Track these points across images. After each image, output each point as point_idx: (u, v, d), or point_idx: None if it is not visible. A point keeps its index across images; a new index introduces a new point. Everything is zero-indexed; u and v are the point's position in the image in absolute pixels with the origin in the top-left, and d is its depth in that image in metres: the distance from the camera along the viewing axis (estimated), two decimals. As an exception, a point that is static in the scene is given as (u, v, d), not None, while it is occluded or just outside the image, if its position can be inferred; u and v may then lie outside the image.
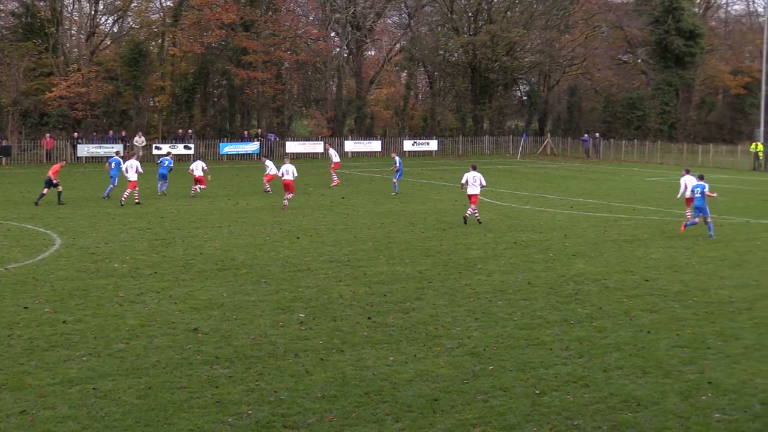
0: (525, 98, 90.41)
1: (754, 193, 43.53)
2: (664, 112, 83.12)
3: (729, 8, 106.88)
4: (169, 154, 42.01)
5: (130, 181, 36.23)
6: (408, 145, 72.38)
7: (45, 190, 35.96)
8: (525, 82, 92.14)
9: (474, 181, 30.68)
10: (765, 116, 76.11)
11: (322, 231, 28.81)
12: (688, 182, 30.68)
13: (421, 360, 14.50)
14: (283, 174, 35.51)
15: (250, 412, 12.09)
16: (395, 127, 79.96)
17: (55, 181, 35.84)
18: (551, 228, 30.08)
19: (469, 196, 31.01)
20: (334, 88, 77.79)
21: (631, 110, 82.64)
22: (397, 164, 41.84)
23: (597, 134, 74.92)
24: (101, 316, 17.12)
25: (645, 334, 16.24)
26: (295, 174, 35.81)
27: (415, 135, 78.58)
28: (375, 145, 70.81)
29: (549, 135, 79.85)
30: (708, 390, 13.17)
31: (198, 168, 39.22)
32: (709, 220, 28.59)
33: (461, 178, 31.66)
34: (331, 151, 47.18)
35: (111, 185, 38.39)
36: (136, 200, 36.36)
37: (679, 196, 32.05)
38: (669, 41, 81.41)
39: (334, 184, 44.35)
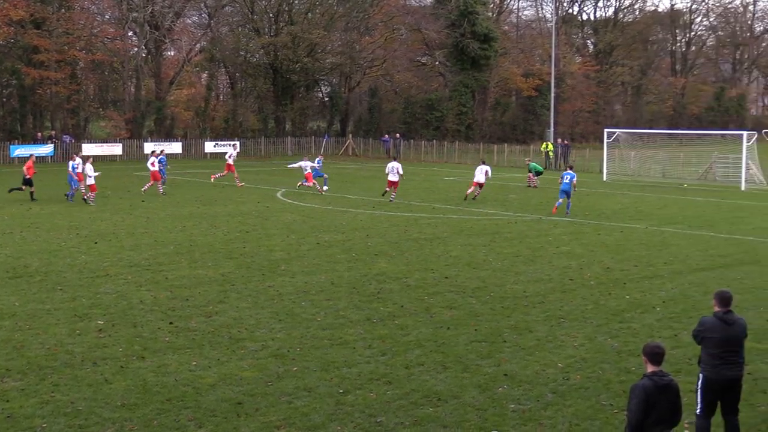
0: (326, 99, 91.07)
1: (545, 192, 45.49)
2: (461, 113, 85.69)
3: (520, 13, 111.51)
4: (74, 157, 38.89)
5: (151, 171, 40.32)
6: (209, 146, 71.43)
7: (24, 187, 37.53)
8: (326, 83, 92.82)
9: (392, 170, 38.65)
10: (555, 117, 79.77)
11: (122, 235, 28.01)
12: (480, 170, 39.98)
13: (224, 364, 14.34)
14: (388, 173, 39.27)
15: (44, 425, 11.61)
16: (196, 129, 78.75)
17: (28, 177, 37.46)
18: (353, 228, 30.41)
19: (389, 182, 38.91)
20: (133, 89, 75.80)
21: (429, 111, 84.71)
22: (317, 164, 45.09)
23: (398, 135, 76.39)
24: None
25: (445, 330, 16.67)
26: (401, 172, 39.14)
27: (216, 136, 77.61)
28: (176, 147, 69.44)
29: (350, 136, 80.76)
30: (504, 382, 13.66)
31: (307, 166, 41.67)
32: (570, 201, 34.99)
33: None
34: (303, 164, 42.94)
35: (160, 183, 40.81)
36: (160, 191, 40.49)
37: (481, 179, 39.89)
38: (465, 44, 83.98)
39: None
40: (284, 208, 36.10)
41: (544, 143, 67.24)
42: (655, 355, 8.87)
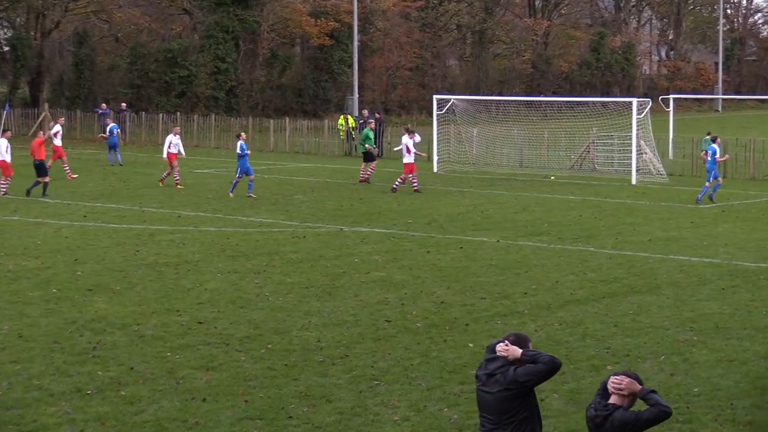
0: (6, 49, 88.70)
1: (347, 189, 45.91)
2: (218, 72, 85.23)
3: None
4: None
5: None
6: None
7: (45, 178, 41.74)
8: (5, 23, 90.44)
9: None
10: (360, 78, 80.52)
11: None
12: (409, 143, 45.44)
13: None
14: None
15: None
16: None
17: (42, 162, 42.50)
18: (55, 249, 29.83)
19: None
20: None
21: (171, 69, 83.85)
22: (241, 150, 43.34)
23: (123, 104, 75.06)
24: None
25: (199, 402, 16.57)
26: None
27: None
28: None
29: (47, 106, 78.93)
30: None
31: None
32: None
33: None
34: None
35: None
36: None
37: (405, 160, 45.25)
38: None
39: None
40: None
41: (342, 117, 67.62)
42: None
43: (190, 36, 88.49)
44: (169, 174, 45.86)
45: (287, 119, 72.02)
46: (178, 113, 75.06)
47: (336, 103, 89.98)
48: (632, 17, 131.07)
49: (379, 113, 69.04)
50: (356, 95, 79.30)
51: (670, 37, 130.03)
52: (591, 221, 36.88)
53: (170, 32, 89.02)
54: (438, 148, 54.93)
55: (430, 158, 55.78)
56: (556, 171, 53.91)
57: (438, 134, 55.30)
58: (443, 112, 56.24)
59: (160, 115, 74.38)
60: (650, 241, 32.69)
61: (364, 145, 49.40)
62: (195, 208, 38.98)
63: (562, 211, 39.28)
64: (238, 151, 42.42)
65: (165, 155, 46.15)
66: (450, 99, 58.33)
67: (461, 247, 31.16)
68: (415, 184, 44.72)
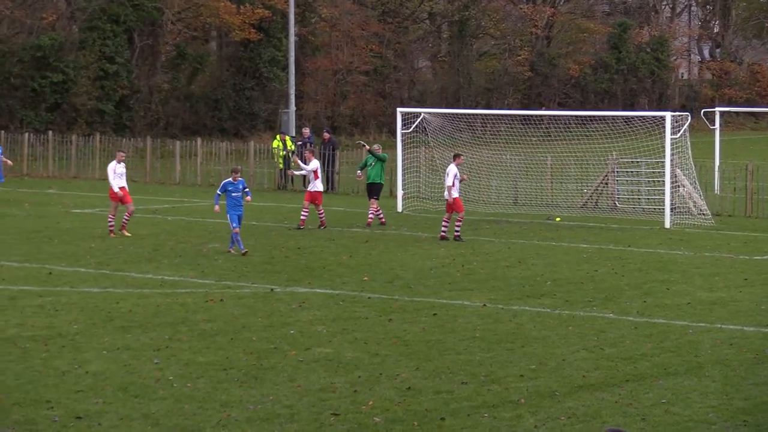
0: None
1: (281, 235, 45.82)
2: (106, 76, 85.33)
3: None
4: None
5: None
6: None
7: None
8: None
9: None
10: (297, 86, 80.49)
11: None
12: (455, 172, 46.27)
13: None
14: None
15: None
16: None
17: None
18: None
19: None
20: None
21: (40, 72, 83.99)
22: None
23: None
24: None
25: None
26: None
27: None
28: None
29: None
30: None
31: None
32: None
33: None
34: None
35: None
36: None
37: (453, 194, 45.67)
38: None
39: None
40: None
41: (278, 138, 67.48)
42: None
43: (66, 28, 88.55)
44: (115, 215, 45.36)
45: (199, 141, 72.00)
46: (50, 132, 75.04)
47: (265, 119, 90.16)
48: (664, 4, 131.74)
49: (328, 132, 69.06)
50: (293, 108, 79.39)
51: (716, 30, 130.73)
52: (610, 278, 36.99)
53: (40, 23, 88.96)
54: (404, 180, 55.02)
55: (392, 193, 55.91)
56: (563, 210, 54.07)
57: (403, 160, 55.48)
58: (410, 130, 56.41)
59: (26, 134, 74.41)
60: (689, 304, 32.79)
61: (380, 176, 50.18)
62: (72, 262, 38.84)
63: (571, 265, 39.41)
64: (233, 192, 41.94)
65: (117, 189, 45.19)
66: (420, 113, 58.42)
67: (435, 314, 31.15)
68: (459, 227, 45.33)
